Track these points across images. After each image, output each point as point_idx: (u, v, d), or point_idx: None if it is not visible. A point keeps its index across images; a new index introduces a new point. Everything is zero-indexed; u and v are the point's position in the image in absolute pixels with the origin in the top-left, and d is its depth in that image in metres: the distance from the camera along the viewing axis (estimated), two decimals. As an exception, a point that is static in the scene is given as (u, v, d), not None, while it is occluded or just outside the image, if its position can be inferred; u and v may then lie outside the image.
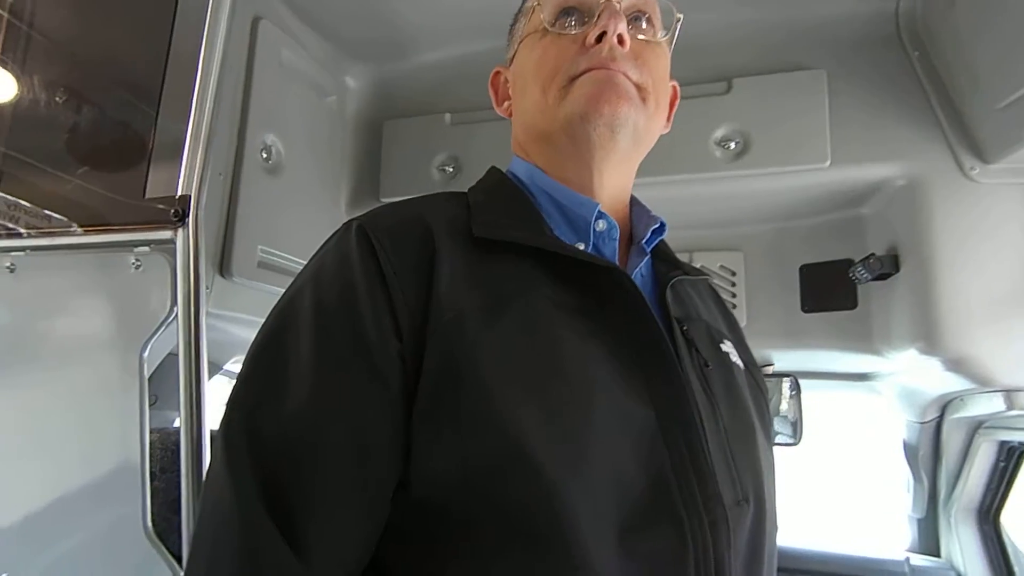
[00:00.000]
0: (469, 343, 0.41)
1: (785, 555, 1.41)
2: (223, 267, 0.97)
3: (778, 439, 1.23)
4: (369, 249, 0.44)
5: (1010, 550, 1.27)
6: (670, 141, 1.09)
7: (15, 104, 0.94)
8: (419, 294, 0.42)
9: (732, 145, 1.07)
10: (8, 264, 0.85)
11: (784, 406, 1.24)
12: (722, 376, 0.51)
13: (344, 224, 0.49)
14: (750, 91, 1.07)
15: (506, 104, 0.63)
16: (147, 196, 0.78)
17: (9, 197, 0.87)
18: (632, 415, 0.42)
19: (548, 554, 0.37)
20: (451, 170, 1.22)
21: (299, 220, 1.13)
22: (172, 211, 0.73)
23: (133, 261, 0.79)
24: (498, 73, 0.64)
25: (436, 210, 0.49)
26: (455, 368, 0.40)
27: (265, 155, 1.05)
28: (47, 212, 0.84)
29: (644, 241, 0.55)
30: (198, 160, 0.76)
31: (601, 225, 0.52)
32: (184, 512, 0.73)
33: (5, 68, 0.94)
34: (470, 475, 0.38)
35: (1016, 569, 1.25)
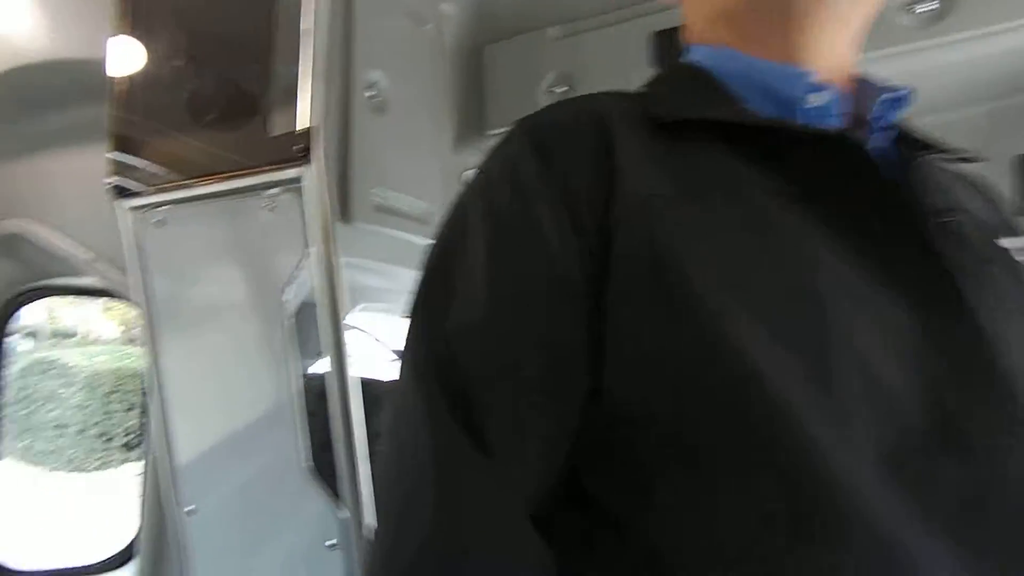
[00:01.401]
0: (666, 229, 0.36)
1: None
2: (342, 211, 0.97)
3: None
4: (536, 143, 0.42)
5: None
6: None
7: (143, 78, 0.97)
8: (597, 184, 0.39)
9: (925, 7, 0.86)
10: (158, 219, 0.90)
11: None
12: (1005, 278, 0.40)
13: (519, 121, 0.47)
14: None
15: None
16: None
17: (150, 164, 0.92)
18: (890, 320, 0.34)
19: (782, 483, 0.30)
20: (563, 90, 1.13)
21: (409, 160, 1.10)
22: (297, 147, 0.73)
23: (264, 204, 0.80)
24: None
25: (606, 101, 0.45)
26: (651, 255, 0.35)
27: (372, 93, 1.01)
28: (184, 169, 0.87)
29: (877, 118, 0.44)
30: (315, 95, 0.75)
31: (815, 99, 0.42)
32: (338, 452, 0.74)
33: (131, 42, 0.98)
34: (678, 377, 0.33)
35: None
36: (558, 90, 1.13)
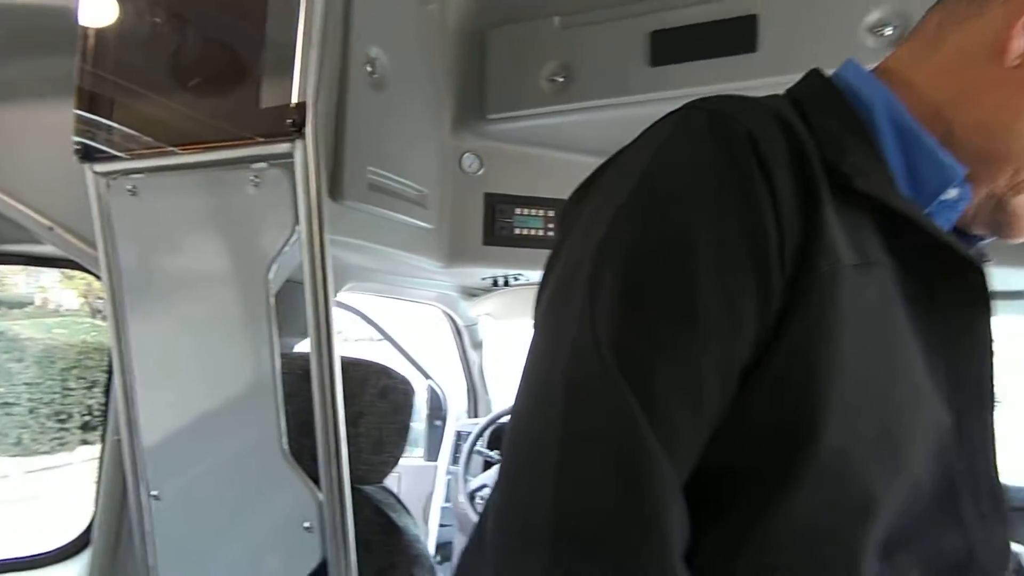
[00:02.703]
0: (839, 314, 0.38)
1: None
2: (334, 189, 0.93)
3: None
4: (761, 160, 0.39)
5: None
6: (810, 30, 0.93)
7: (119, 31, 0.91)
8: (802, 228, 0.38)
9: (889, 31, 0.88)
10: (130, 187, 0.84)
11: None
12: None
13: (705, 112, 0.42)
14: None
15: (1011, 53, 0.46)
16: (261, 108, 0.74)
17: (123, 127, 0.86)
18: (939, 422, 0.41)
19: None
20: (562, 79, 1.11)
21: (405, 140, 1.07)
22: (289, 120, 0.69)
23: (251, 178, 0.76)
24: None
25: (792, 120, 0.42)
26: (821, 332, 0.38)
27: (370, 68, 0.98)
28: (163, 135, 0.82)
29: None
30: (310, 68, 0.71)
31: (952, 193, 0.45)
32: (319, 436, 0.71)
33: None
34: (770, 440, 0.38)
35: None
36: (558, 79, 1.12)
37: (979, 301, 0.43)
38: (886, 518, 0.38)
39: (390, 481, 0.96)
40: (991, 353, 0.44)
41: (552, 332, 0.40)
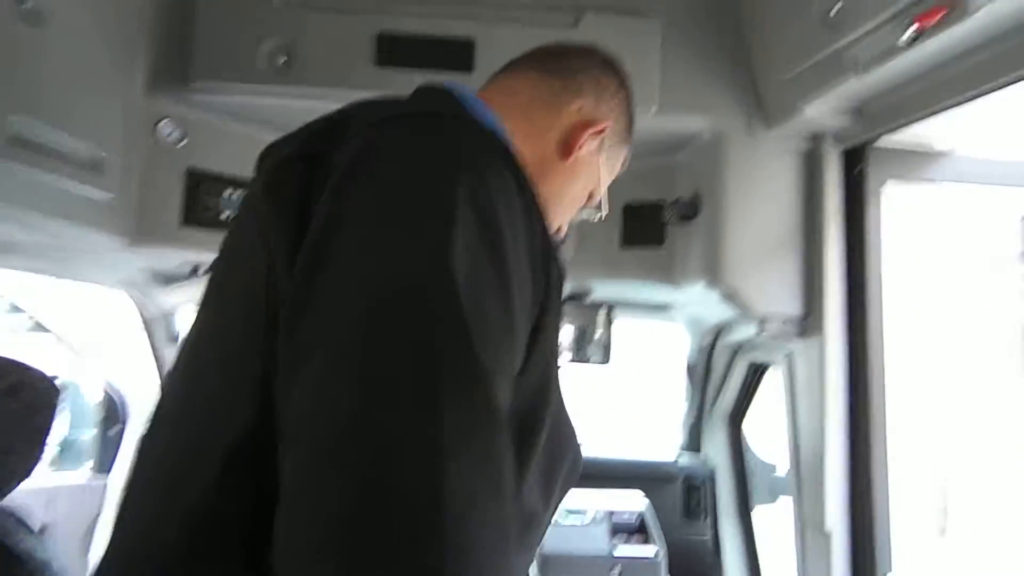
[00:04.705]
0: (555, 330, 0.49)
1: (588, 462, 1.64)
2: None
3: (591, 359, 1.38)
4: (526, 206, 0.46)
5: (744, 446, 1.62)
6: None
7: None
8: (547, 275, 0.47)
9: None
10: None
11: (599, 331, 1.38)
12: None
13: (480, 145, 0.47)
14: (596, 29, 1.11)
15: (576, 156, 0.66)
16: None
17: None
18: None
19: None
20: (283, 59, 1.08)
21: (74, 90, 0.90)
22: None
23: None
24: (601, 130, 0.67)
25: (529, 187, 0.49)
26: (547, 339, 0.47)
27: (23, -3, 0.80)
28: None
29: None
30: None
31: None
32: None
33: None
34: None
35: (746, 459, 1.61)
36: (279, 58, 1.08)
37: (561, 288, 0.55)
38: (558, 446, 0.52)
39: (39, 503, 0.80)
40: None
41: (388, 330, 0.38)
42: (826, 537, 1.09)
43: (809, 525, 1.13)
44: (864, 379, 1.09)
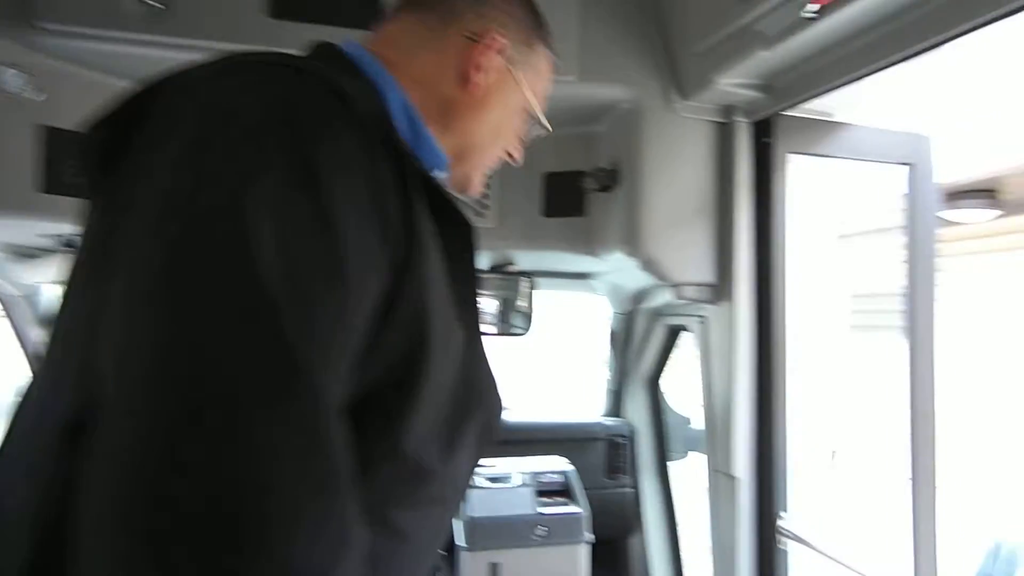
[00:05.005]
0: (430, 269, 0.46)
1: (508, 427, 1.67)
2: None
3: (512, 329, 1.38)
4: (374, 146, 0.43)
5: (662, 405, 1.71)
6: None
7: None
8: (403, 214, 0.44)
9: None
10: None
11: (521, 301, 1.38)
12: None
13: (315, 99, 0.43)
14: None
15: (478, 81, 0.60)
16: None
17: None
18: (460, 340, 0.52)
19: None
20: (160, 6, 0.94)
21: None
22: None
23: None
24: (492, 42, 0.60)
25: (369, 118, 0.45)
26: (420, 291, 0.45)
27: None
28: None
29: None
30: None
31: (440, 176, 0.57)
32: None
33: None
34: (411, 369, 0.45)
35: (663, 418, 1.70)
36: (154, 4, 0.93)
37: (470, 244, 0.54)
38: (464, 405, 0.51)
39: None
40: (476, 282, 0.57)
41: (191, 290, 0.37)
42: (733, 482, 1.18)
43: (719, 472, 1.22)
44: (769, 340, 1.17)
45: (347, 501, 0.38)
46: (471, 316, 0.55)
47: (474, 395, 0.53)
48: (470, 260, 0.54)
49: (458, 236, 0.52)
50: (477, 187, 0.67)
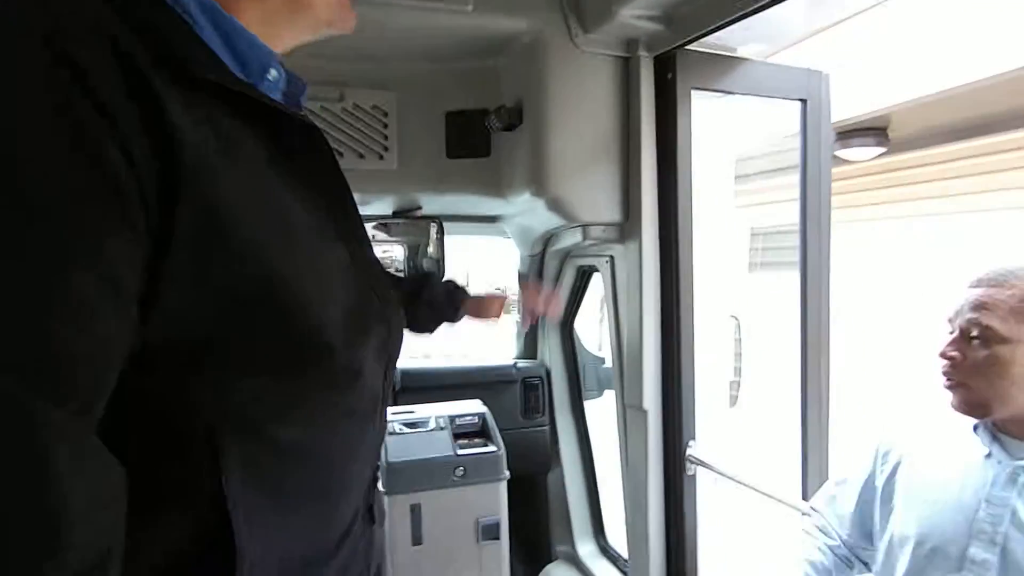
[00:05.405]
0: (220, 197, 0.40)
1: (426, 374, 1.68)
2: None
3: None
4: (81, 73, 0.35)
5: (576, 346, 1.75)
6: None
7: None
8: (148, 128, 0.37)
9: None
10: None
11: (431, 248, 1.34)
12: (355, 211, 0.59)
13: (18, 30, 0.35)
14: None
15: None
16: None
17: None
18: (339, 258, 0.51)
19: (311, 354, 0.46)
20: None
21: None
22: None
23: None
24: None
25: (108, 16, 0.39)
26: (213, 219, 0.40)
27: None
28: None
29: (299, 99, 0.56)
30: None
31: (274, 74, 0.51)
32: None
33: None
34: (234, 308, 0.42)
35: (578, 358, 1.74)
36: None
37: (320, 149, 0.51)
38: (344, 333, 0.48)
39: None
40: (347, 190, 0.54)
41: None
42: (643, 414, 1.23)
43: (629, 406, 1.27)
44: (674, 277, 1.20)
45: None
46: (347, 228, 0.52)
47: (370, 311, 0.52)
48: (327, 166, 0.52)
49: (302, 144, 0.49)
50: (349, 12, 0.57)
